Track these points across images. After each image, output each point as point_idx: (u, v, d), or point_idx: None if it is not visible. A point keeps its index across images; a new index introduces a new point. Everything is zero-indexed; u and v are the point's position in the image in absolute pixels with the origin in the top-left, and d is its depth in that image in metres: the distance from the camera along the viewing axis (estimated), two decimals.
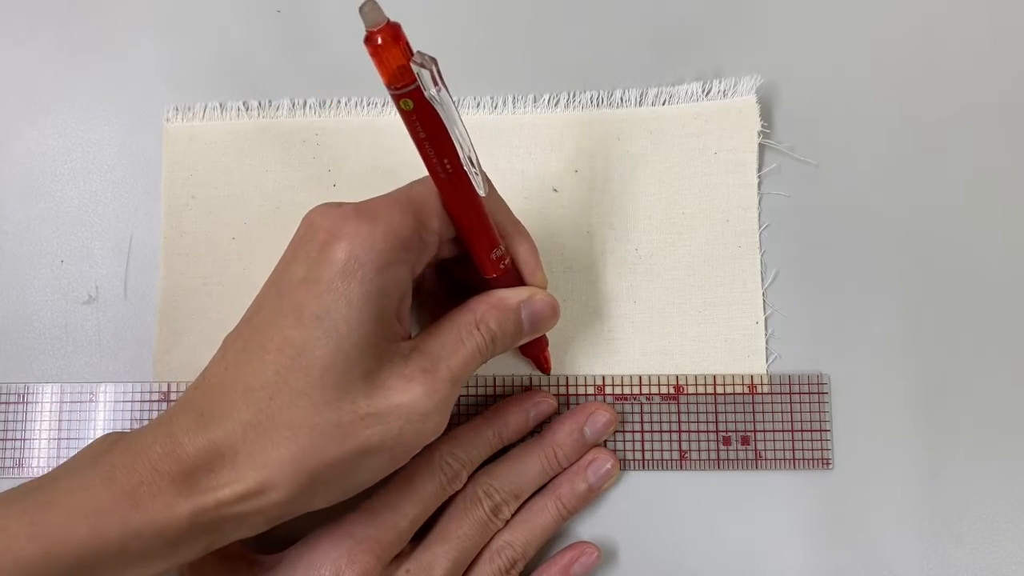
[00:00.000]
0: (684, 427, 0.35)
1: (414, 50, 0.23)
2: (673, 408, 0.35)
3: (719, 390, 0.35)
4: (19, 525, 0.23)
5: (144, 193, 0.38)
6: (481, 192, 0.27)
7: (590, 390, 0.35)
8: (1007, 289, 0.36)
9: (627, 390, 0.35)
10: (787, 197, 0.36)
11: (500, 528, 0.33)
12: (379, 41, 0.23)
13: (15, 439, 0.36)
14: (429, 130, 0.25)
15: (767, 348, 0.35)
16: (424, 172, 0.27)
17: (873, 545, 0.34)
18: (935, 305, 0.36)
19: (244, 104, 0.38)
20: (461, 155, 0.26)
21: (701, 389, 0.35)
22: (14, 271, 0.38)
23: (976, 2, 0.38)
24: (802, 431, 0.35)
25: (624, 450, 0.35)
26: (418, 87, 0.23)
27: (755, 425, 0.35)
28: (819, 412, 0.35)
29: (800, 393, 0.35)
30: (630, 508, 0.35)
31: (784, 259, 0.36)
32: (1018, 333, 0.35)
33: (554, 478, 0.34)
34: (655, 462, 0.35)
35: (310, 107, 0.38)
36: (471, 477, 0.32)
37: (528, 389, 0.35)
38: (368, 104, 0.38)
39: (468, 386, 0.35)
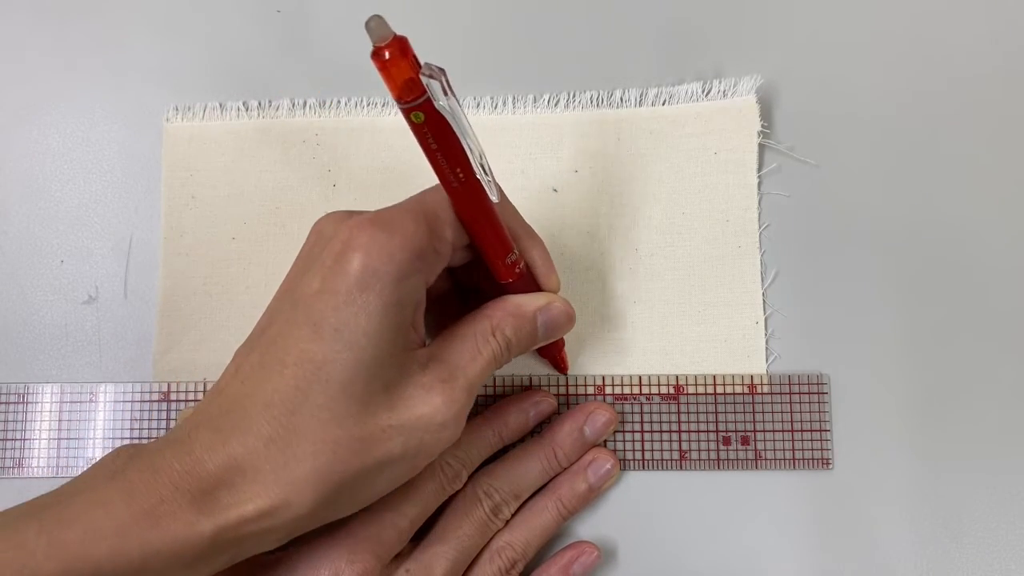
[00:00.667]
0: (684, 427, 0.35)
1: (422, 62, 0.23)
2: (673, 408, 0.35)
3: (719, 390, 0.35)
4: (37, 542, 0.23)
5: (144, 193, 0.38)
6: (494, 199, 0.27)
7: (590, 390, 0.35)
8: (1007, 289, 0.36)
9: (627, 390, 0.35)
10: (787, 197, 0.36)
11: (500, 528, 0.33)
12: (387, 56, 0.22)
13: (15, 439, 0.36)
14: (440, 140, 0.25)
15: (767, 348, 0.35)
16: (431, 176, 0.27)
17: (873, 545, 0.34)
18: (935, 305, 0.36)
19: (244, 104, 0.38)
20: (473, 163, 0.25)
21: (701, 389, 0.35)
22: (14, 271, 0.38)
23: (976, 2, 0.37)
24: (802, 431, 0.35)
25: (624, 450, 0.35)
26: (428, 99, 0.23)
27: (755, 425, 0.35)
28: (819, 412, 0.35)
29: (800, 393, 0.35)
30: (630, 508, 0.35)
31: (784, 259, 0.36)
32: (1018, 333, 0.35)
33: (554, 478, 0.34)
34: (655, 462, 0.35)
35: (310, 107, 0.38)
36: (471, 477, 0.32)
37: (528, 389, 0.35)
38: (368, 104, 0.38)
39: None
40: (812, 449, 0.35)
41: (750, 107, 0.36)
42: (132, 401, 0.36)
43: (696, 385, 0.35)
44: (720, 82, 0.37)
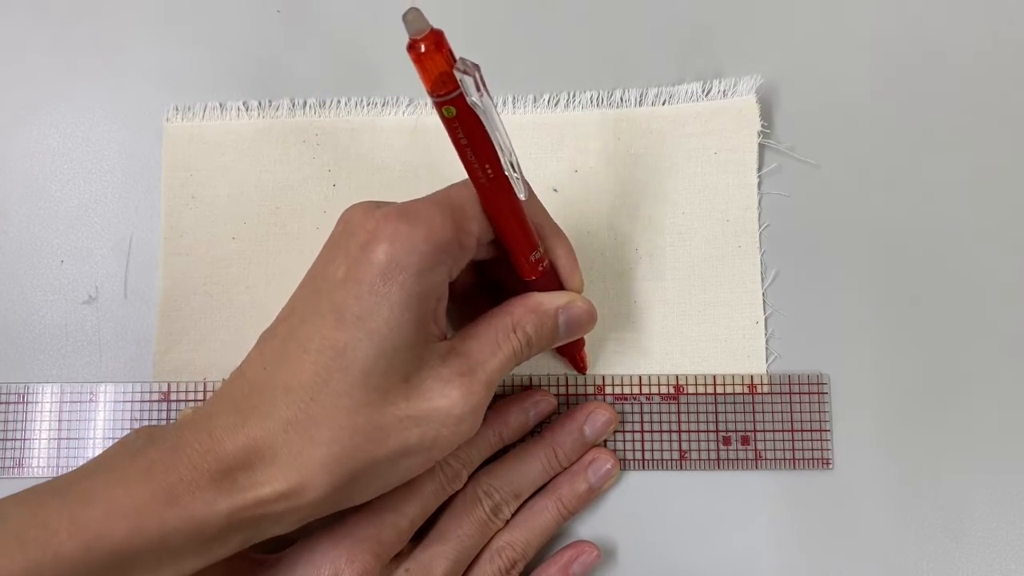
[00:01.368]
0: (684, 427, 0.35)
1: (456, 56, 0.23)
2: (673, 408, 0.35)
3: (719, 390, 0.35)
4: (59, 521, 0.23)
5: (144, 193, 0.38)
6: (522, 196, 0.27)
7: (590, 390, 0.35)
8: (1007, 288, 0.36)
9: (627, 390, 0.35)
10: (787, 197, 0.36)
11: (500, 528, 0.33)
12: (422, 49, 0.23)
13: (15, 439, 0.36)
14: (471, 136, 0.25)
15: (767, 348, 0.35)
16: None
17: (873, 545, 0.34)
18: (935, 305, 0.36)
19: (244, 104, 0.38)
20: (503, 160, 0.26)
21: (701, 389, 0.35)
22: (14, 271, 0.38)
23: (976, 2, 0.38)
24: (802, 431, 0.35)
25: (624, 450, 0.35)
26: (460, 94, 0.23)
27: (755, 425, 0.35)
28: (819, 412, 0.35)
29: (800, 393, 0.35)
30: (630, 508, 0.35)
31: (784, 259, 0.36)
32: (1018, 333, 0.35)
33: (554, 478, 0.34)
34: (655, 462, 0.35)
35: (310, 107, 0.38)
36: (471, 477, 0.32)
37: (528, 389, 0.35)
38: (368, 104, 0.38)
39: None
40: (812, 449, 0.35)
41: (750, 107, 0.36)
42: (132, 401, 0.36)
43: (696, 385, 0.35)
44: (720, 82, 0.37)
